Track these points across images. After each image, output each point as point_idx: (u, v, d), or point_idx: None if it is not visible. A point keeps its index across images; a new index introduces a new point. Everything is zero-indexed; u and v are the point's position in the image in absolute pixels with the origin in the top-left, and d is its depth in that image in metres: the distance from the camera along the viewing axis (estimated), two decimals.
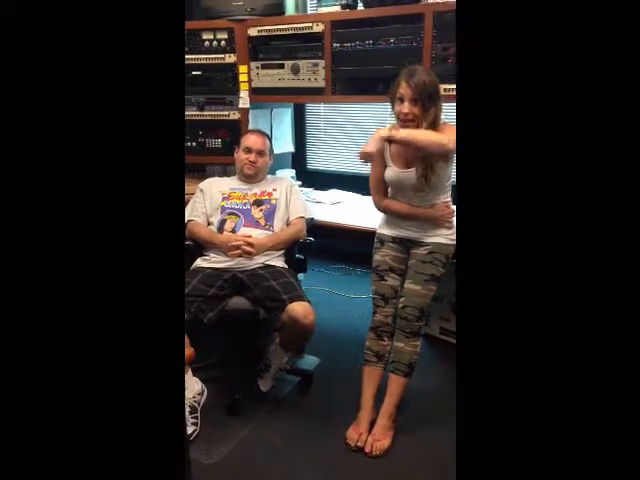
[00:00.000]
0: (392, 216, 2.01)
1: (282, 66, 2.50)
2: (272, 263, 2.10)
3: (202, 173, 2.70)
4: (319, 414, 2.03)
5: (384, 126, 1.99)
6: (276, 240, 2.13)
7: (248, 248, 2.04)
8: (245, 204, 2.20)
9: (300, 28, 2.39)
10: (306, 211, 2.27)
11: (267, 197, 2.22)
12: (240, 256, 2.04)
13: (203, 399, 2.01)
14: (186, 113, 2.68)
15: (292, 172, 3.00)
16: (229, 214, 2.19)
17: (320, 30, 2.35)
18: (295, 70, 2.46)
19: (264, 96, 2.61)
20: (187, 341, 1.71)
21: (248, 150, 2.22)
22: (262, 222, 2.17)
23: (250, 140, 2.24)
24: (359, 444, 1.82)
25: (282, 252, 2.17)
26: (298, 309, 1.87)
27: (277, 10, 2.53)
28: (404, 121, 1.78)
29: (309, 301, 1.94)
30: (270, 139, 2.36)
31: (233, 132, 2.67)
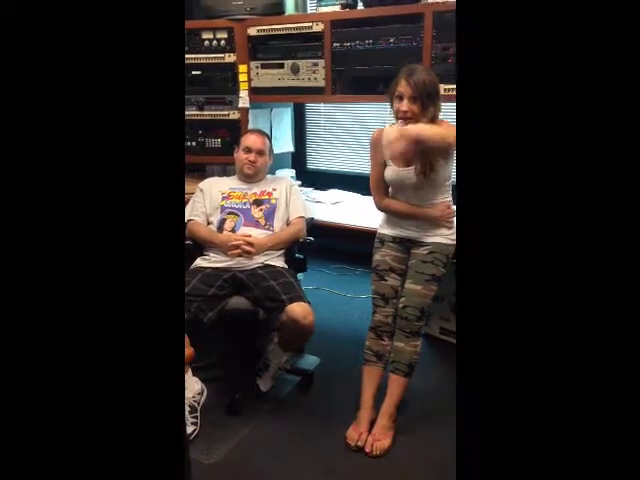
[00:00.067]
0: (393, 216, 2.01)
1: (282, 66, 2.50)
2: (272, 263, 2.10)
3: (202, 173, 2.70)
4: (319, 414, 2.03)
5: (383, 126, 1.99)
6: (276, 240, 2.13)
7: (248, 248, 2.03)
8: (245, 204, 2.20)
9: (300, 28, 2.39)
10: (306, 211, 2.27)
11: (267, 197, 2.22)
12: (240, 256, 2.04)
13: (203, 399, 2.01)
14: (186, 113, 2.68)
15: (292, 172, 2.99)
16: (229, 214, 2.19)
17: (320, 30, 2.35)
18: (295, 70, 2.46)
19: (264, 96, 2.61)
20: (187, 341, 1.71)
21: (248, 150, 2.22)
22: (262, 222, 2.17)
23: (250, 140, 2.24)
24: (359, 444, 1.82)
25: (282, 252, 2.17)
26: (297, 310, 1.87)
27: (277, 10, 2.53)
28: (403, 119, 1.78)
29: (308, 302, 1.93)
30: (270, 139, 2.35)
31: (233, 132, 2.67)
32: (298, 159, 3.44)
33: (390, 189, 2.01)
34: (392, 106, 1.83)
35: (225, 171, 2.61)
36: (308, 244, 2.18)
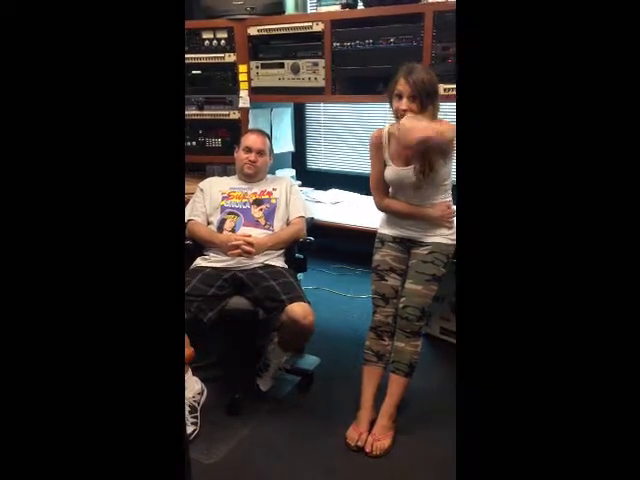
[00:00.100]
0: (393, 216, 2.00)
1: (282, 65, 2.50)
2: (272, 263, 2.10)
3: (202, 172, 2.70)
4: (319, 414, 2.03)
5: (383, 126, 1.99)
6: (276, 240, 2.13)
7: (248, 248, 2.03)
8: (245, 203, 2.20)
9: (300, 27, 2.39)
10: (306, 211, 2.27)
11: (267, 197, 2.22)
12: (240, 255, 2.04)
13: (203, 399, 2.01)
14: (186, 112, 2.68)
15: (292, 172, 3.00)
16: (229, 213, 2.18)
17: (320, 29, 2.34)
18: (295, 69, 2.46)
19: (264, 95, 2.61)
20: (187, 341, 1.71)
21: (248, 149, 2.22)
22: (262, 222, 2.17)
23: (250, 139, 2.24)
24: (359, 444, 1.82)
25: (282, 252, 2.17)
26: (297, 310, 1.87)
27: (277, 9, 2.53)
28: (402, 118, 1.78)
29: (308, 302, 1.93)
30: (270, 139, 2.36)
31: (233, 131, 2.67)
32: (298, 159, 3.44)
33: (390, 189, 2.01)
34: (391, 105, 1.82)
35: (225, 171, 2.61)
36: (308, 244, 2.18)
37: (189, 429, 1.85)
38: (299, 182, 2.83)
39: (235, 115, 2.66)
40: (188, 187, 2.29)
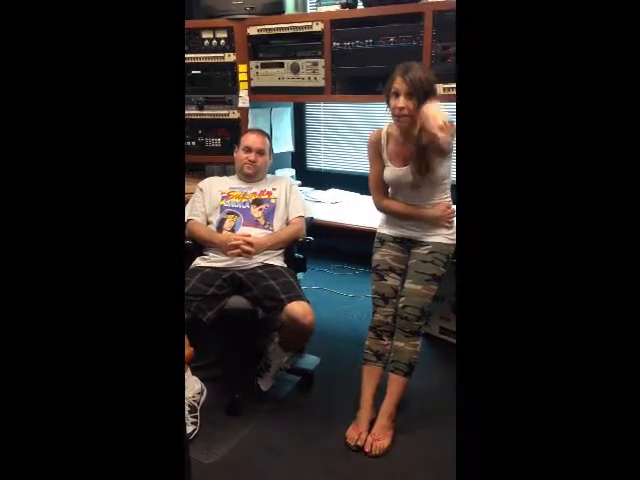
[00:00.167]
0: (392, 216, 2.01)
1: (282, 65, 2.50)
2: (271, 262, 2.09)
3: (202, 172, 2.70)
4: (319, 414, 2.03)
5: (383, 125, 1.99)
6: (275, 239, 2.13)
7: (247, 247, 2.03)
8: (244, 203, 2.20)
9: (300, 27, 2.39)
10: (305, 210, 2.27)
11: (267, 196, 2.22)
12: (239, 255, 2.04)
13: (203, 398, 2.01)
14: (186, 112, 2.68)
15: (292, 171, 3.00)
16: (228, 213, 2.18)
17: (320, 29, 2.34)
18: (295, 69, 2.46)
19: (264, 95, 2.61)
20: (186, 340, 1.71)
21: (248, 149, 2.22)
22: (261, 221, 2.17)
23: (250, 139, 2.24)
24: (359, 443, 1.82)
25: (281, 251, 2.17)
26: (297, 309, 1.87)
27: (277, 9, 2.53)
28: (399, 116, 1.78)
29: (308, 301, 1.93)
30: (270, 138, 2.36)
31: (233, 131, 2.67)
32: (298, 159, 3.44)
33: (390, 189, 2.01)
34: (388, 104, 1.82)
35: (225, 171, 2.61)
36: (308, 244, 2.17)
37: (189, 429, 1.85)
38: (299, 182, 2.83)
39: (235, 115, 2.66)
40: (188, 187, 2.29)
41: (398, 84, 1.75)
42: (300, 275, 2.31)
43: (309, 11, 2.86)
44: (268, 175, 2.35)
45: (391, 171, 1.92)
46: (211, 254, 2.13)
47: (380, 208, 2.03)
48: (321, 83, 2.41)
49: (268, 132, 2.59)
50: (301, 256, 2.24)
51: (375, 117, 3.36)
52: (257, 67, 2.56)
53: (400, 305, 1.89)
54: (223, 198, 2.22)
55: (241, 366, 2.25)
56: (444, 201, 1.93)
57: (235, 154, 2.30)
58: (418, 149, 1.79)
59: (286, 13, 2.55)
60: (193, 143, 2.75)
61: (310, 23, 2.36)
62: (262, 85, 2.58)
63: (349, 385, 2.10)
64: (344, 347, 2.49)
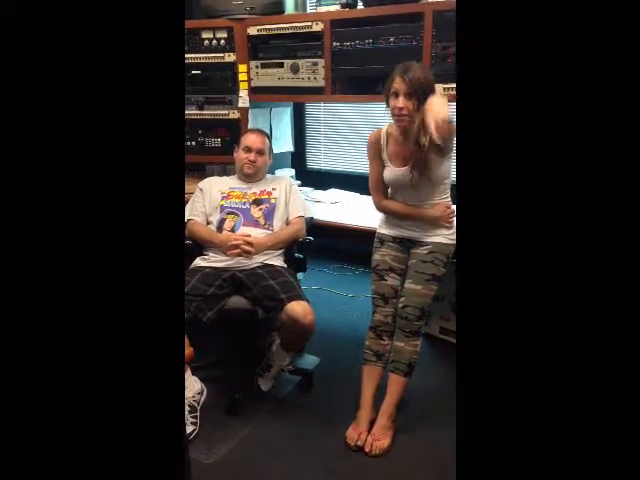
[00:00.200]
0: (392, 216, 2.01)
1: (281, 65, 2.50)
2: (271, 262, 2.10)
3: (202, 172, 2.70)
4: (319, 414, 2.02)
5: (383, 125, 1.99)
6: (275, 239, 2.13)
7: (247, 247, 2.03)
8: (244, 203, 2.20)
9: (300, 27, 2.39)
10: (305, 210, 2.27)
11: (266, 196, 2.22)
12: (239, 255, 2.04)
13: (202, 398, 2.01)
14: (186, 112, 2.68)
15: (292, 171, 3.00)
16: (228, 213, 2.18)
17: (320, 29, 2.34)
18: (294, 69, 2.46)
19: (263, 95, 2.61)
20: (186, 340, 1.71)
21: (248, 149, 2.22)
22: (261, 221, 2.17)
23: (250, 139, 2.24)
24: (359, 443, 1.82)
25: (281, 251, 2.17)
26: (297, 309, 1.87)
27: (277, 9, 2.53)
28: (398, 116, 1.78)
29: (308, 300, 1.93)
30: (270, 138, 2.36)
31: (233, 131, 2.67)
32: (298, 159, 3.44)
33: (390, 190, 2.01)
34: (388, 104, 1.82)
35: (225, 171, 2.61)
36: (307, 244, 2.17)
37: (189, 429, 1.85)
38: (299, 182, 2.83)
39: (235, 115, 2.66)
40: (188, 187, 2.29)
41: (397, 84, 1.75)
42: (300, 275, 2.31)
43: (309, 11, 2.86)
44: (268, 175, 2.35)
45: (391, 171, 1.92)
46: (211, 254, 2.13)
47: (379, 208, 2.03)
48: (321, 83, 2.41)
49: (268, 132, 2.59)
50: (301, 256, 2.24)
51: (375, 117, 3.36)
52: (257, 67, 2.56)
53: (400, 305, 1.89)
54: (223, 198, 2.22)
55: (241, 366, 2.25)
56: (444, 201, 1.93)
57: (235, 154, 2.30)
58: (416, 148, 1.79)
59: (286, 13, 2.55)
60: (193, 143, 2.75)
61: (310, 23, 2.36)
62: (262, 85, 2.58)
63: (349, 385, 2.10)
64: (344, 347, 2.49)
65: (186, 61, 2.60)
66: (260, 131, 2.34)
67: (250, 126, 2.61)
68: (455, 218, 1.92)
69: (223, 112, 2.68)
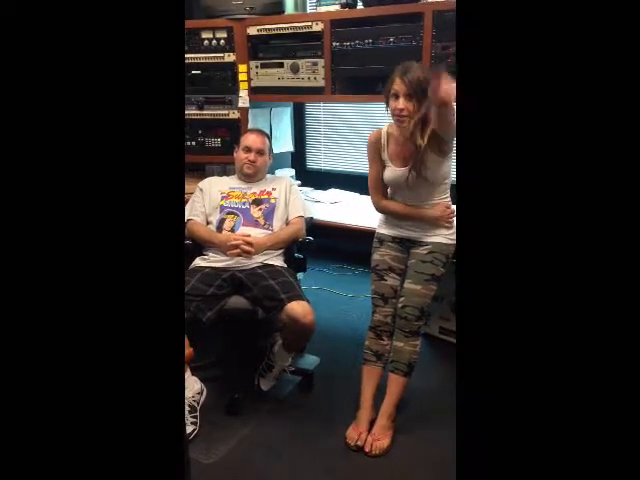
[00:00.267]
0: (391, 216, 2.01)
1: (281, 65, 2.50)
2: (271, 262, 2.10)
3: (202, 172, 2.70)
4: (319, 414, 2.02)
5: (382, 126, 1.99)
6: (275, 239, 2.13)
7: (247, 247, 2.03)
8: (244, 203, 2.20)
9: (299, 27, 2.39)
10: (305, 210, 2.27)
11: (266, 196, 2.22)
12: (239, 255, 2.04)
13: (202, 398, 2.01)
14: (186, 112, 2.68)
15: (291, 171, 3.00)
16: (228, 213, 2.18)
17: (319, 29, 2.34)
18: (294, 69, 2.46)
19: (263, 95, 2.61)
20: (186, 340, 1.71)
21: (247, 149, 2.23)
22: (261, 221, 2.17)
23: (249, 139, 2.24)
24: (359, 443, 1.82)
25: (281, 251, 2.17)
26: (297, 308, 1.87)
27: (276, 9, 2.53)
28: (399, 117, 1.78)
29: (308, 300, 1.93)
30: (269, 138, 2.36)
31: (232, 131, 2.67)
32: (298, 159, 3.44)
33: (389, 189, 2.01)
34: (388, 105, 1.82)
35: (225, 171, 2.61)
36: (307, 244, 2.17)
37: (188, 429, 1.85)
38: (298, 182, 2.83)
39: (235, 115, 2.66)
40: (188, 187, 2.29)
41: (397, 85, 1.75)
42: (300, 275, 2.32)
43: (309, 11, 2.86)
44: (268, 175, 2.35)
45: (392, 171, 1.92)
46: (211, 254, 2.13)
47: (379, 208, 2.03)
48: (321, 83, 2.41)
49: (268, 132, 2.59)
50: (301, 256, 2.24)
51: (375, 117, 3.36)
52: (257, 67, 2.56)
53: (400, 305, 1.89)
54: (223, 198, 2.22)
55: (241, 366, 2.25)
56: (444, 201, 1.93)
57: (235, 154, 2.30)
58: (414, 149, 1.80)
59: (286, 13, 2.55)
60: (193, 143, 2.75)
61: (310, 23, 2.36)
62: (262, 85, 2.58)
63: (349, 385, 2.10)
64: (344, 347, 2.49)
65: (186, 61, 2.60)
66: (260, 131, 2.34)
67: (250, 126, 2.61)
68: (455, 218, 1.92)
69: (223, 112, 2.68)
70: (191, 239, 2.17)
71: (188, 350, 1.58)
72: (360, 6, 2.39)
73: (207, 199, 2.23)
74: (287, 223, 2.21)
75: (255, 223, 2.16)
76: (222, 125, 2.70)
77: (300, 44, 2.44)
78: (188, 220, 2.19)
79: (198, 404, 1.96)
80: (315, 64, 2.40)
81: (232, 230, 2.14)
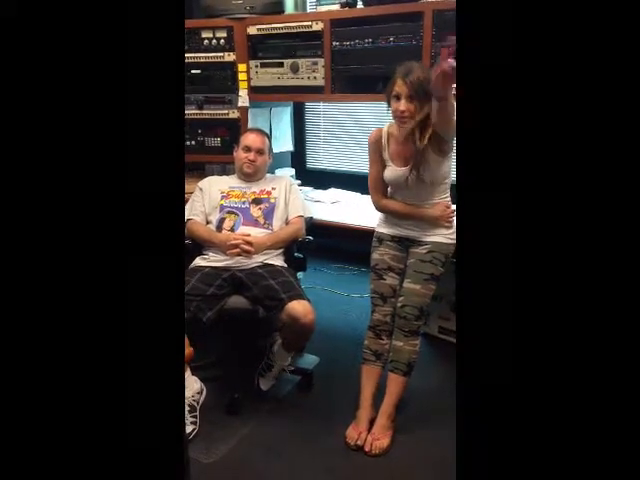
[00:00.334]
0: (391, 215, 2.01)
1: (281, 65, 2.50)
2: (271, 262, 2.10)
3: (201, 172, 2.70)
4: (319, 414, 2.03)
5: (382, 125, 1.99)
6: (275, 239, 2.13)
7: (247, 247, 2.03)
8: (244, 203, 2.20)
9: (299, 26, 2.39)
10: (305, 210, 2.27)
11: (266, 196, 2.22)
12: (239, 255, 2.04)
13: (202, 398, 2.01)
14: (185, 112, 2.68)
15: (291, 171, 2.99)
16: (228, 213, 2.18)
17: (319, 29, 2.34)
18: (294, 69, 2.46)
19: (263, 95, 2.61)
20: (186, 340, 1.71)
21: (247, 149, 2.22)
22: (261, 221, 2.17)
23: (249, 139, 2.24)
24: (358, 443, 1.82)
25: (281, 251, 2.17)
26: (298, 308, 1.87)
27: (276, 8, 2.53)
28: (401, 118, 1.78)
29: (308, 300, 1.93)
30: (269, 138, 2.36)
31: (232, 131, 2.67)
32: (297, 158, 3.44)
33: (389, 189, 2.01)
34: (389, 106, 1.83)
35: (225, 170, 2.61)
36: (307, 243, 2.18)
37: (188, 428, 1.85)
38: (298, 181, 2.83)
39: (234, 114, 2.66)
40: (187, 186, 2.29)
41: (399, 87, 1.75)
42: (300, 275, 2.32)
43: (309, 10, 2.86)
44: (268, 174, 2.35)
45: (392, 171, 1.92)
46: (211, 254, 2.13)
47: (379, 207, 2.03)
48: (321, 82, 2.41)
49: (268, 131, 2.59)
50: (301, 256, 2.24)
51: (375, 116, 3.36)
52: (257, 66, 2.56)
53: (399, 304, 1.89)
54: (223, 197, 2.22)
55: (241, 366, 2.25)
56: (443, 201, 1.94)
57: (235, 153, 2.30)
58: (416, 148, 1.80)
59: (286, 13, 2.55)
60: (193, 142, 2.75)
61: (310, 22, 2.36)
62: (262, 84, 2.58)
63: (349, 385, 2.10)
64: (343, 347, 2.49)
65: (186, 60, 2.60)
66: (260, 130, 2.34)
67: (250, 125, 2.61)
68: (455, 218, 1.92)
69: (223, 111, 2.68)
70: (191, 239, 2.17)
71: (188, 350, 1.58)
72: (360, 5, 2.39)
73: (207, 198, 2.23)
74: (287, 223, 2.21)
75: (255, 222, 2.16)
76: (222, 124, 2.70)
77: (300, 43, 2.44)
78: (188, 220, 2.19)
79: (198, 404, 1.96)
80: (315, 63, 2.40)
81: (232, 229, 2.14)
